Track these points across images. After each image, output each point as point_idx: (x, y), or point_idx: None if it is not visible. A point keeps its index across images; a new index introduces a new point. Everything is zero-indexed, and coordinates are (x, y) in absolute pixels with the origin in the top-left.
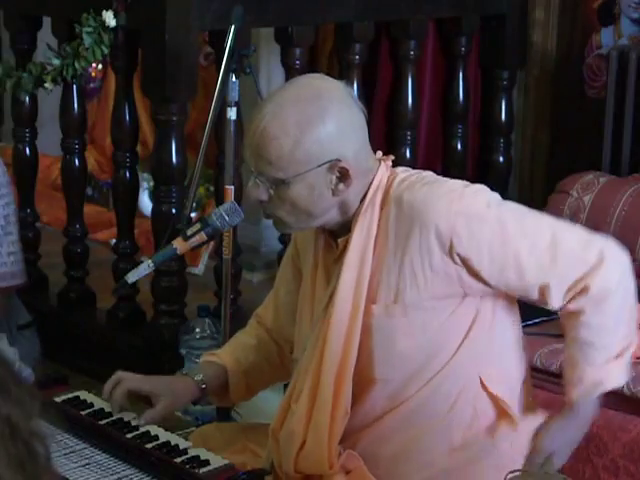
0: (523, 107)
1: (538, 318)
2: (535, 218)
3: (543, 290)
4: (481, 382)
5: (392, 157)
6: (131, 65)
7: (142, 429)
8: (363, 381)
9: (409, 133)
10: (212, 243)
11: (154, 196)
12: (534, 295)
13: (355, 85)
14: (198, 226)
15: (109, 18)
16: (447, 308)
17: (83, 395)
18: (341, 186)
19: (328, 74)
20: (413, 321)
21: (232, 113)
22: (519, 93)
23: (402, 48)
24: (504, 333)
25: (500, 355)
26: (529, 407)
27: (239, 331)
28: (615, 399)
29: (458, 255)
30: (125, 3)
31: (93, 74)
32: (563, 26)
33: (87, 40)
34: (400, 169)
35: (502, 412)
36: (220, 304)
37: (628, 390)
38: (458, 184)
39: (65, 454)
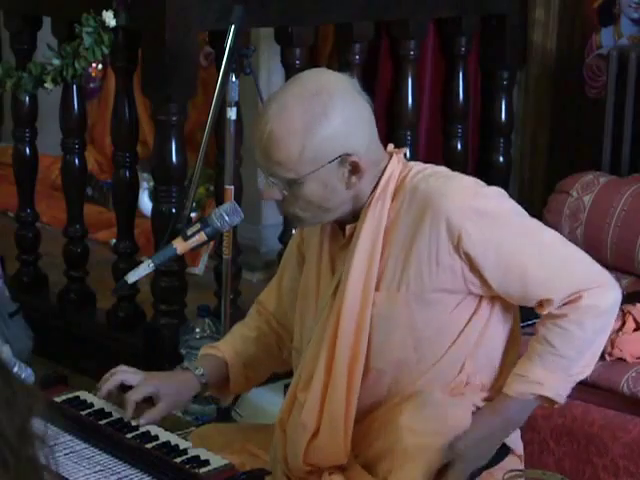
0: (523, 107)
1: (538, 318)
2: (547, 233)
3: (543, 302)
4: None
5: (404, 149)
6: (131, 65)
7: (142, 429)
8: None
9: (409, 133)
10: (212, 243)
11: (154, 196)
12: (531, 304)
13: None
14: (198, 226)
15: (109, 18)
16: (448, 305)
17: (83, 395)
18: (353, 179)
19: None
20: (413, 314)
21: (232, 113)
22: (519, 93)
23: (402, 48)
24: (498, 333)
25: (490, 353)
26: None
27: (238, 322)
28: (615, 399)
29: (464, 251)
30: (125, 3)
31: (93, 74)
32: (563, 26)
33: (87, 40)
34: (414, 163)
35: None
36: (220, 304)
37: (628, 390)
38: (476, 181)
39: (65, 454)
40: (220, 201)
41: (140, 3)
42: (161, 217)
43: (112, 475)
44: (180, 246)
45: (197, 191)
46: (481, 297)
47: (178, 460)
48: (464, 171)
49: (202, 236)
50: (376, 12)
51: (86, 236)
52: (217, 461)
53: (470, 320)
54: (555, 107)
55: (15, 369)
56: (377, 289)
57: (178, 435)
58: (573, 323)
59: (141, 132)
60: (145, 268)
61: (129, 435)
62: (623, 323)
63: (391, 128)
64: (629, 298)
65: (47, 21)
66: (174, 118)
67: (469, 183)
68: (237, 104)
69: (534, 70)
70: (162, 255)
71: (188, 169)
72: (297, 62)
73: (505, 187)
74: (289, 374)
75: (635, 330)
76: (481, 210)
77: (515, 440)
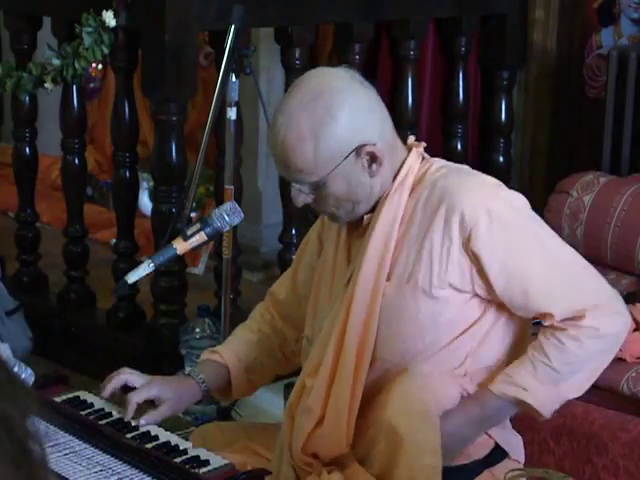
0: (523, 107)
1: None
2: (564, 251)
3: (544, 315)
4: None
5: (424, 144)
6: (131, 65)
7: (142, 429)
8: None
9: (409, 133)
10: (212, 243)
11: (154, 196)
12: (533, 315)
13: None
14: (198, 226)
15: (109, 18)
16: (455, 303)
17: (83, 395)
18: (374, 167)
19: None
20: (421, 308)
21: (232, 113)
22: (519, 93)
23: (402, 48)
24: (504, 337)
25: (492, 356)
26: None
27: (240, 325)
28: (615, 399)
29: (472, 250)
30: (125, 3)
31: (93, 74)
32: (563, 26)
33: (87, 40)
34: (435, 159)
35: None
36: (220, 304)
37: (628, 390)
38: (498, 183)
39: (65, 454)
40: (220, 201)
41: (140, 3)
42: (161, 217)
43: (112, 475)
44: (180, 246)
45: (197, 191)
46: (489, 300)
47: (178, 460)
48: None
49: (202, 236)
50: (376, 12)
51: (86, 236)
52: (217, 461)
53: (476, 321)
54: (555, 107)
55: (15, 369)
56: (388, 279)
57: (178, 435)
58: (571, 339)
59: (141, 132)
60: (145, 268)
61: (129, 435)
62: None
63: None
64: (629, 298)
65: (47, 21)
66: (174, 118)
67: (489, 182)
68: (237, 104)
69: (534, 70)
70: (162, 255)
71: (188, 169)
72: (297, 62)
73: None
74: (290, 375)
75: (635, 330)
76: (495, 212)
77: (516, 448)
